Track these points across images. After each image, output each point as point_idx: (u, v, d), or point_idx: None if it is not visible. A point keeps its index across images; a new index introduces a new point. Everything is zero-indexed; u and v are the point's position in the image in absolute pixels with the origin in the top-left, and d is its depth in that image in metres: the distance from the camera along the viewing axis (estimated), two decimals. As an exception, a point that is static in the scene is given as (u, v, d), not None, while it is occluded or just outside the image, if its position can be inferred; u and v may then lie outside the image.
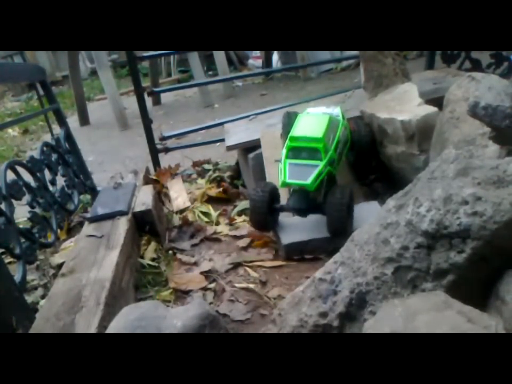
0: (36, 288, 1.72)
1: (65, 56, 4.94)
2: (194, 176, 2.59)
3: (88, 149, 3.69)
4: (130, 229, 1.65)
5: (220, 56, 5.06)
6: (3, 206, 1.39)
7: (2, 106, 6.74)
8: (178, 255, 1.72)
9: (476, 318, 0.66)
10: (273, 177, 1.88)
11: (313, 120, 1.67)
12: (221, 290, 1.52)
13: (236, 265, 1.63)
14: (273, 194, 1.65)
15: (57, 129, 2.28)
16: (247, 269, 1.61)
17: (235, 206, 2.09)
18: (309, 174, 1.51)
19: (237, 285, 1.52)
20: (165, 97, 5.39)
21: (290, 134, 1.59)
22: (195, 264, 1.66)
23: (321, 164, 1.52)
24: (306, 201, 1.57)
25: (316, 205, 1.58)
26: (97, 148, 3.94)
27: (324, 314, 0.91)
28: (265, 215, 1.62)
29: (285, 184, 1.56)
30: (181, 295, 1.51)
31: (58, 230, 1.78)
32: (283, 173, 1.56)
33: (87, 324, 1.11)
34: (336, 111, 1.75)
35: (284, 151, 1.60)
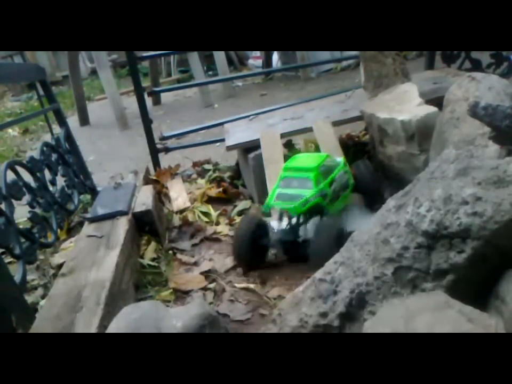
0: (35, 288, 1.72)
1: (65, 56, 4.94)
2: (194, 176, 2.59)
3: (88, 149, 3.68)
4: (130, 229, 1.65)
5: (220, 56, 5.06)
6: (3, 206, 1.39)
7: (2, 106, 6.73)
8: (178, 255, 1.72)
9: (476, 318, 0.66)
10: (273, 177, 1.88)
11: (310, 156, 1.73)
12: (221, 290, 1.52)
13: (236, 265, 1.63)
14: (258, 229, 1.56)
15: (57, 129, 2.28)
16: (247, 268, 1.61)
17: (235, 206, 2.09)
18: (295, 200, 1.48)
19: (237, 285, 1.52)
20: (165, 97, 5.39)
21: (284, 165, 1.63)
22: (195, 264, 1.66)
23: (310, 193, 1.50)
24: (294, 235, 1.53)
25: (304, 241, 1.51)
26: (97, 147, 3.93)
27: (324, 314, 0.91)
28: (248, 253, 1.55)
29: (268, 208, 1.54)
30: (181, 295, 1.51)
31: (58, 230, 1.78)
32: (269, 197, 1.55)
33: (87, 324, 1.11)
34: (339, 160, 1.74)
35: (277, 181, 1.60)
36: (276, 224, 1.61)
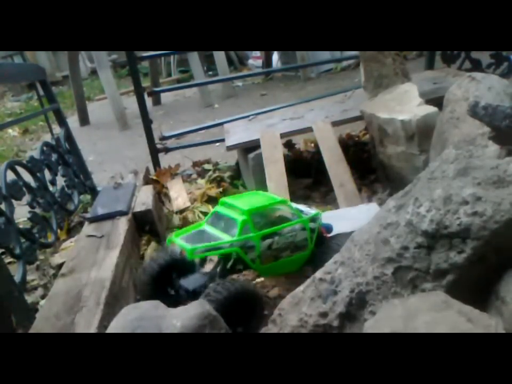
0: (35, 288, 1.72)
1: (65, 56, 4.94)
2: (194, 176, 2.59)
3: (88, 149, 3.69)
4: (130, 229, 1.65)
5: (220, 56, 5.06)
6: (3, 206, 1.39)
7: (2, 106, 6.73)
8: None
9: (475, 318, 0.66)
10: (273, 177, 1.88)
11: (261, 196, 1.45)
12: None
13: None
14: (169, 269, 1.32)
15: (57, 129, 2.28)
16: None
17: (235, 206, 2.09)
18: (201, 242, 1.25)
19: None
20: (165, 97, 5.39)
21: (223, 198, 1.41)
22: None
23: (225, 239, 1.25)
24: (199, 284, 1.26)
25: (196, 292, 1.23)
26: (97, 147, 3.93)
27: (324, 314, 0.91)
28: (149, 295, 1.27)
29: (169, 242, 1.33)
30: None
31: (58, 230, 1.78)
32: (184, 230, 1.36)
33: (87, 323, 1.11)
34: (311, 212, 1.42)
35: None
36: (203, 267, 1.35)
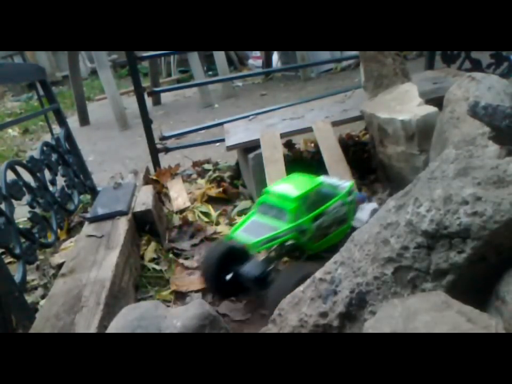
0: (36, 288, 1.72)
1: (65, 56, 4.94)
2: (194, 176, 2.59)
3: (88, 149, 3.69)
4: (130, 229, 1.65)
5: (220, 56, 5.06)
6: (3, 206, 1.39)
7: (2, 106, 6.73)
8: (180, 260, 1.71)
9: (475, 318, 0.66)
10: (273, 177, 1.88)
11: (301, 180, 1.48)
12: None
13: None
14: (229, 255, 1.38)
15: (57, 129, 2.28)
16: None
17: (235, 206, 2.10)
18: (261, 234, 1.30)
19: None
20: (165, 97, 5.39)
21: (267, 188, 1.45)
22: (197, 268, 1.65)
23: (281, 228, 1.31)
24: (261, 271, 1.31)
25: (266, 279, 1.30)
26: (97, 148, 3.93)
27: (324, 314, 0.91)
28: (214, 281, 1.38)
29: (229, 239, 1.38)
30: (181, 295, 1.51)
31: (58, 230, 1.78)
32: (239, 224, 1.40)
33: (87, 323, 1.11)
34: (345, 185, 1.50)
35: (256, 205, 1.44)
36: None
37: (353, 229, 1.35)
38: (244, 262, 1.36)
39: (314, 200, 1.39)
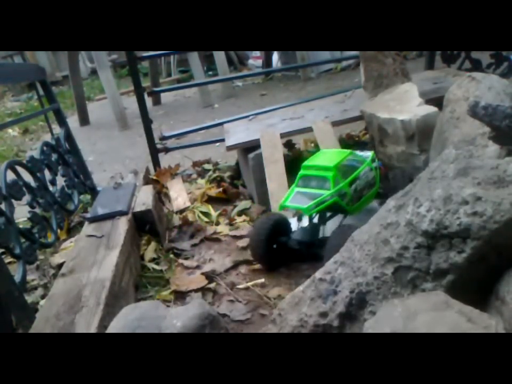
0: (36, 288, 1.72)
1: (65, 56, 4.94)
2: (194, 176, 2.59)
3: (88, 149, 3.69)
4: (130, 229, 1.65)
5: (220, 56, 5.06)
6: (3, 206, 1.39)
7: (2, 106, 6.73)
8: (180, 260, 1.71)
9: (475, 318, 0.66)
10: (273, 177, 1.88)
11: (330, 153, 1.68)
12: (221, 290, 1.51)
13: (236, 265, 1.63)
14: (278, 227, 1.56)
15: (57, 129, 2.28)
16: (247, 268, 1.61)
17: (235, 206, 2.09)
18: (309, 200, 1.47)
19: (238, 286, 1.52)
20: (165, 97, 5.39)
21: (304, 163, 1.61)
22: (197, 267, 1.65)
23: (326, 193, 1.48)
24: (311, 235, 1.52)
25: (320, 241, 1.50)
26: (97, 147, 3.93)
27: (324, 314, 0.91)
28: (264, 251, 1.54)
29: (282, 208, 1.54)
30: (181, 295, 1.51)
31: (58, 230, 1.78)
32: (285, 197, 1.54)
33: (87, 324, 1.11)
34: (368, 154, 1.72)
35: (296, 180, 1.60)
36: (295, 223, 1.62)
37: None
38: (287, 234, 1.56)
39: (347, 168, 1.58)
